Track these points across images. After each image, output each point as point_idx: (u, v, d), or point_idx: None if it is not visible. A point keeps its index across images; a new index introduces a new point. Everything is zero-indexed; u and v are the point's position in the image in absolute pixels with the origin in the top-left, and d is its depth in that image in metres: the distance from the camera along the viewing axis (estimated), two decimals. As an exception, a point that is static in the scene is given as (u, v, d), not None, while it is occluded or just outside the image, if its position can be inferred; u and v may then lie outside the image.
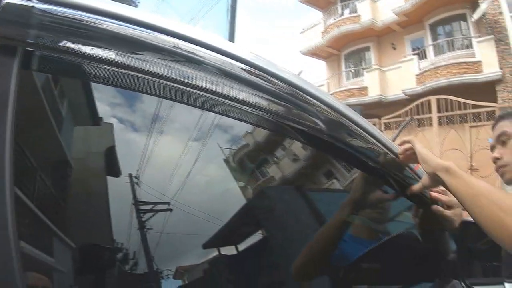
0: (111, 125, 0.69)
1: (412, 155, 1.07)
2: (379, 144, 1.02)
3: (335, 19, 18.16)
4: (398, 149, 1.09)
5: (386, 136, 1.10)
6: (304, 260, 0.87)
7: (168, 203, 0.69)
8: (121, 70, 0.62)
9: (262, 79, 0.79)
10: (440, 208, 1.16)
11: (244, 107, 0.74)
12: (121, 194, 0.68)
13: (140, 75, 0.63)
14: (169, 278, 0.69)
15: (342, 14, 18.12)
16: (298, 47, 20.07)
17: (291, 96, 0.82)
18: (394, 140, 1.31)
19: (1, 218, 0.47)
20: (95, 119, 0.70)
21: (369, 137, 0.99)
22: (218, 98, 0.70)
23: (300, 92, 0.85)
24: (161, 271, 0.68)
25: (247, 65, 0.78)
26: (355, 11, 17.35)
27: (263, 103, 0.76)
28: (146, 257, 0.66)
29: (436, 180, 1.00)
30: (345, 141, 0.91)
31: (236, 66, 0.75)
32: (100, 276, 0.64)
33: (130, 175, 0.68)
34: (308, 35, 19.69)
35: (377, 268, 1.01)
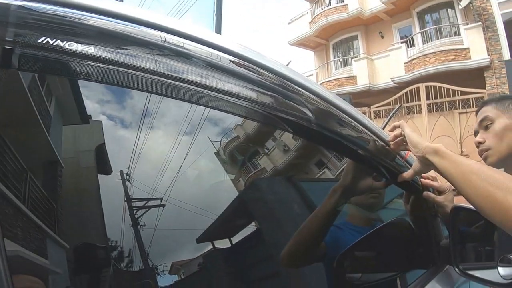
0: (100, 122, 0.69)
1: (402, 142, 1.07)
2: (369, 133, 1.02)
3: (322, 9, 18.14)
4: (389, 136, 1.10)
5: (376, 125, 1.10)
6: (292, 247, 0.87)
7: (160, 199, 0.69)
8: (108, 66, 0.61)
9: (251, 71, 0.78)
10: (432, 194, 1.17)
11: (234, 99, 0.73)
12: (113, 192, 0.68)
13: (127, 70, 0.62)
14: (165, 274, 0.68)
15: (329, 3, 18.12)
16: (286, 38, 20.06)
17: (280, 86, 0.82)
18: (384, 127, 1.32)
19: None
20: (84, 118, 0.69)
21: (359, 126, 0.99)
22: (207, 91, 0.70)
23: (289, 83, 0.84)
24: (156, 267, 0.68)
25: (235, 56, 0.77)
26: (342, 1, 17.34)
27: (252, 94, 0.76)
28: (141, 254, 0.65)
29: (426, 163, 1.00)
30: (335, 131, 0.91)
31: (224, 58, 0.74)
32: (96, 275, 0.63)
33: (121, 172, 0.67)
34: (296, 25, 19.66)
35: (371, 256, 1.02)
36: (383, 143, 1.08)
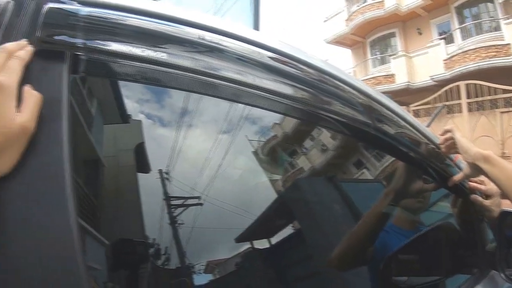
0: (139, 122, 0.70)
1: (452, 145, 1.07)
2: (417, 133, 0.99)
3: (358, 6, 17.89)
4: (439, 139, 1.09)
5: (424, 126, 1.07)
6: (344, 250, 0.86)
7: (198, 198, 0.69)
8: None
9: (291, 66, 0.77)
10: (479, 198, 1.15)
11: (273, 96, 0.72)
12: (152, 190, 0.68)
13: (168, 69, 0.62)
14: (200, 272, 0.68)
15: (365, 0, 17.83)
16: (322, 36, 19.91)
17: (321, 82, 0.80)
18: (427, 127, 1.28)
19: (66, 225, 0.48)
20: (124, 117, 0.70)
21: (407, 125, 0.96)
22: (246, 88, 0.69)
23: (331, 78, 0.83)
24: (192, 265, 0.68)
25: (274, 53, 0.76)
26: (379, -3, 17.05)
27: (292, 91, 0.75)
28: (178, 252, 0.66)
29: (476, 169, 1.01)
30: (381, 130, 0.88)
31: (264, 55, 0.73)
32: (133, 272, 0.64)
33: (160, 171, 0.68)
34: (332, 23, 19.47)
35: (417, 259, 1.00)
36: (433, 145, 1.06)
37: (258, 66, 0.72)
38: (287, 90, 0.74)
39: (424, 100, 13.61)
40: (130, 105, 0.70)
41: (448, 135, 1.07)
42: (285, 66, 0.76)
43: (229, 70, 0.67)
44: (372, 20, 17.20)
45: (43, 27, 0.57)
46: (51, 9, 0.58)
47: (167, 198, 0.68)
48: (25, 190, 0.48)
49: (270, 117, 0.82)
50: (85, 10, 0.59)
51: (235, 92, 0.69)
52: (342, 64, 19.68)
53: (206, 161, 0.72)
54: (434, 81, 14.56)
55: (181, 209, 0.68)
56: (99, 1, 0.64)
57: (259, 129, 0.82)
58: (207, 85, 0.67)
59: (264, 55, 0.73)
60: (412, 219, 1.15)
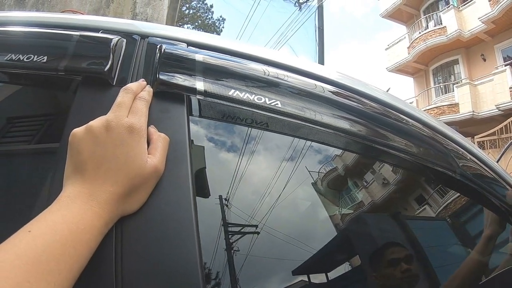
0: (202, 147, 0.71)
1: None
2: (488, 170, 0.91)
3: (420, 32, 17.51)
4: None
5: (493, 161, 0.99)
6: None
7: (255, 226, 0.69)
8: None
9: (352, 100, 0.76)
10: None
11: (335, 132, 0.71)
12: (210, 215, 0.69)
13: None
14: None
15: (427, 27, 17.45)
16: (384, 64, 19.65)
17: (384, 116, 0.78)
18: (497, 162, 1.20)
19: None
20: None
21: (477, 161, 0.90)
22: (308, 124, 0.69)
23: (395, 112, 0.80)
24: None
25: (336, 86, 0.76)
26: (440, 23, 16.62)
27: (353, 125, 0.73)
28: (230, 278, 0.65)
29: None
30: (446, 166, 0.83)
31: (326, 89, 0.73)
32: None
33: (220, 197, 0.68)
34: (393, 51, 19.14)
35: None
36: (505, 183, 0.95)
37: (321, 100, 0.72)
38: (349, 125, 0.72)
39: (490, 131, 12.93)
40: (194, 131, 0.71)
41: None
42: (346, 99, 0.75)
43: (292, 106, 0.68)
44: (435, 47, 16.74)
45: (160, 69, 0.61)
46: (167, 51, 0.62)
47: (225, 224, 0.68)
48: (149, 228, 0.50)
49: (332, 149, 0.81)
50: (199, 55, 0.63)
51: (296, 127, 0.71)
52: (405, 93, 19.28)
53: (265, 191, 0.72)
54: (500, 110, 13.83)
55: (237, 236, 0.68)
56: (204, 42, 0.69)
57: (320, 161, 0.81)
58: (272, 120, 0.68)
59: (326, 89, 0.73)
60: None
